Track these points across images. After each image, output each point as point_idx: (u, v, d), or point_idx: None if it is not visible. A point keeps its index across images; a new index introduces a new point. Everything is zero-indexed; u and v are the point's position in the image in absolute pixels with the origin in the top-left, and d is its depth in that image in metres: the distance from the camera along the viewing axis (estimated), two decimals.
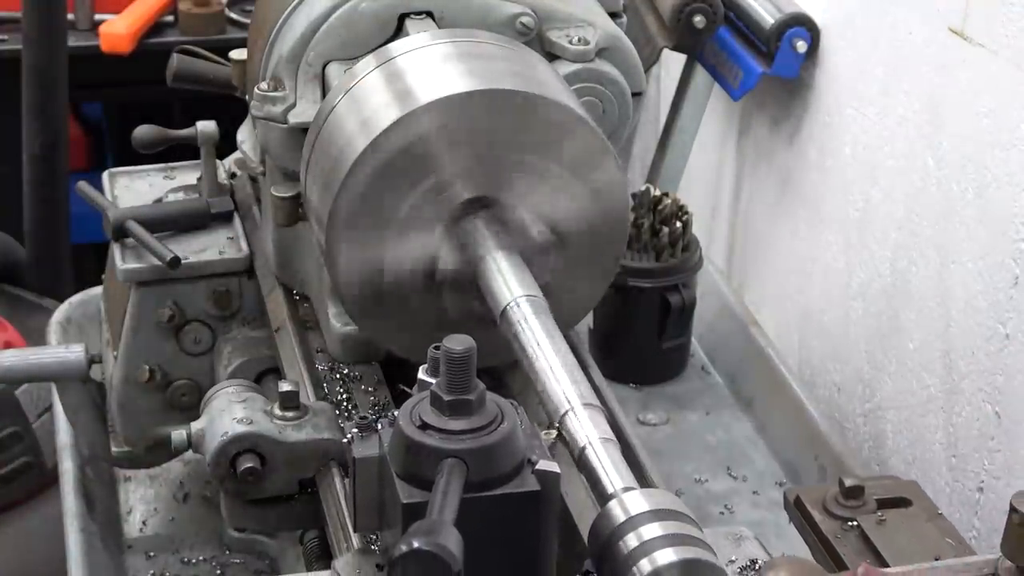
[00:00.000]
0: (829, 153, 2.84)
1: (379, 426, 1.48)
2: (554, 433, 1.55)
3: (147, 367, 2.27)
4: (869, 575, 1.46)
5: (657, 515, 1.40)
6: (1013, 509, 1.59)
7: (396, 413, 1.44)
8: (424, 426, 1.41)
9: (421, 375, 1.49)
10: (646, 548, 1.37)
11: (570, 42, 1.99)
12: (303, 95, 1.97)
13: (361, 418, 1.50)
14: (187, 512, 2.44)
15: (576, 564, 1.61)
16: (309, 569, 1.95)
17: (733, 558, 1.70)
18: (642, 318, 2.69)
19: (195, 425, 1.93)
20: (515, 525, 1.42)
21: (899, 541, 1.85)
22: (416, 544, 1.28)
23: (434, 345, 1.45)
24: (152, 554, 2.34)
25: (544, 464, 1.43)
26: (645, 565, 1.36)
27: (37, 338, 2.85)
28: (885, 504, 1.92)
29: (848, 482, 1.92)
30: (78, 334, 2.68)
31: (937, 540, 1.87)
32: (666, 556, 1.36)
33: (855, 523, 1.88)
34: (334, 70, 1.96)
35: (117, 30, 3.79)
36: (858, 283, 2.74)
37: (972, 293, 2.36)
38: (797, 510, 1.94)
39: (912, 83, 2.53)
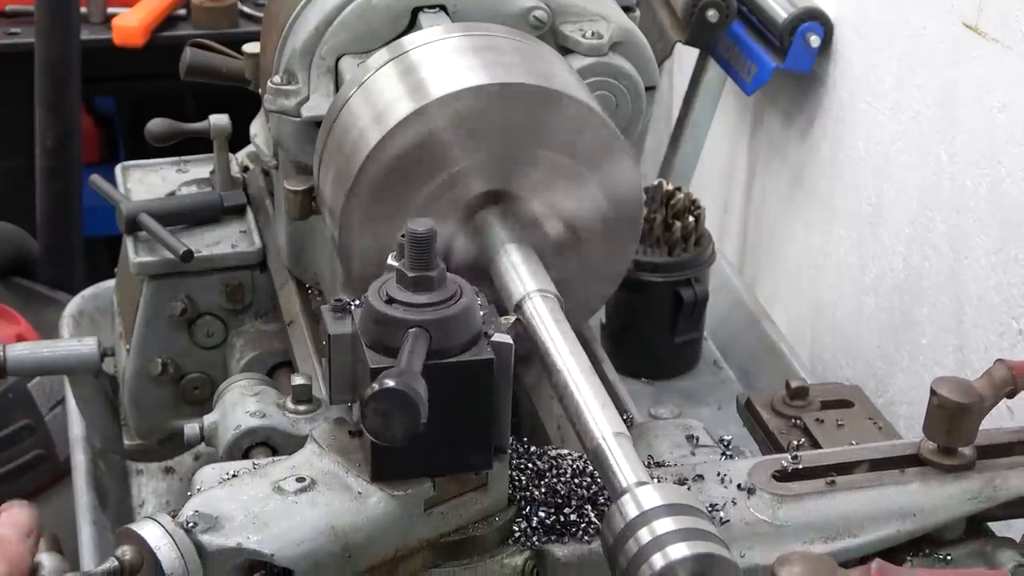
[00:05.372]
0: (842, 148, 2.84)
1: (352, 307, 1.57)
2: (513, 318, 1.67)
3: (160, 360, 2.27)
4: (883, 571, 1.46)
5: (670, 510, 1.40)
6: (933, 392, 1.70)
7: (367, 294, 1.54)
8: (391, 300, 1.51)
9: (389, 261, 1.56)
10: (659, 543, 1.37)
11: (583, 36, 1.98)
12: (316, 88, 1.97)
13: (336, 300, 1.58)
14: None
15: None
16: None
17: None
18: (654, 313, 2.69)
19: (208, 418, 1.94)
20: (472, 391, 1.52)
21: (839, 435, 1.99)
22: (389, 383, 1.38)
23: (400, 233, 1.54)
24: None
25: (499, 337, 1.53)
26: (658, 560, 1.36)
27: (50, 331, 2.86)
28: (829, 405, 2.06)
29: (794, 384, 2.05)
30: (91, 327, 2.69)
31: (874, 434, 1.99)
32: (679, 551, 1.36)
33: (799, 420, 2.02)
34: (347, 64, 1.96)
35: (130, 23, 3.80)
36: (871, 278, 2.74)
37: (985, 288, 2.35)
38: (748, 411, 2.07)
39: (926, 78, 2.52)
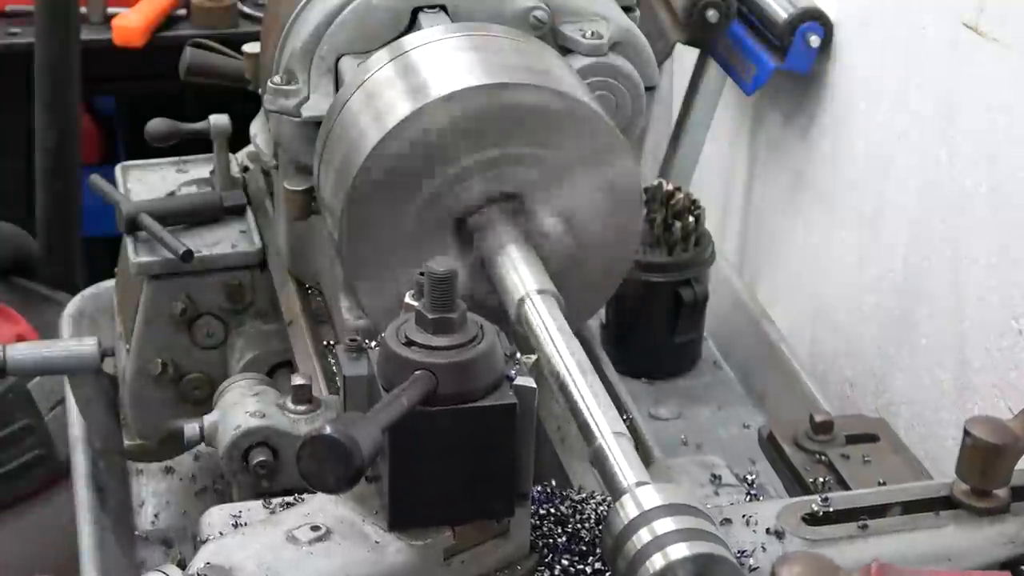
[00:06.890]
0: (842, 148, 2.84)
1: (369, 347, 1.53)
2: (534, 357, 1.61)
3: (160, 360, 2.27)
4: (883, 571, 1.45)
5: (670, 510, 1.39)
6: (966, 432, 1.67)
7: (384, 335, 1.49)
8: (409, 343, 1.46)
9: (407, 300, 1.53)
10: (659, 543, 1.36)
11: (583, 36, 1.98)
12: (316, 89, 1.97)
13: (351, 340, 1.54)
14: (199, 505, 2.43)
15: None
16: None
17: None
18: (654, 313, 2.69)
19: (208, 419, 1.93)
20: (494, 436, 1.47)
21: (865, 472, 1.96)
22: (326, 429, 1.32)
23: (419, 271, 1.49)
24: (164, 546, 2.34)
25: (522, 380, 1.48)
26: (658, 560, 1.36)
27: (49, 331, 2.86)
28: (854, 439, 2.02)
29: (818, 418, 2.02)
30: (91, 327, 2.68)
31: (901, 471, 1.96)
32: (679, 551, 1.36)
33: (824, 456, 1.98)
34: (347, 64, 1.96)
35: (130, 23, 3.80)
36: (871, 278, 2.74)
37: (985, 289, 2.35)
38: (771, 445, 2.04)
39: (925, 78, 2.52)
